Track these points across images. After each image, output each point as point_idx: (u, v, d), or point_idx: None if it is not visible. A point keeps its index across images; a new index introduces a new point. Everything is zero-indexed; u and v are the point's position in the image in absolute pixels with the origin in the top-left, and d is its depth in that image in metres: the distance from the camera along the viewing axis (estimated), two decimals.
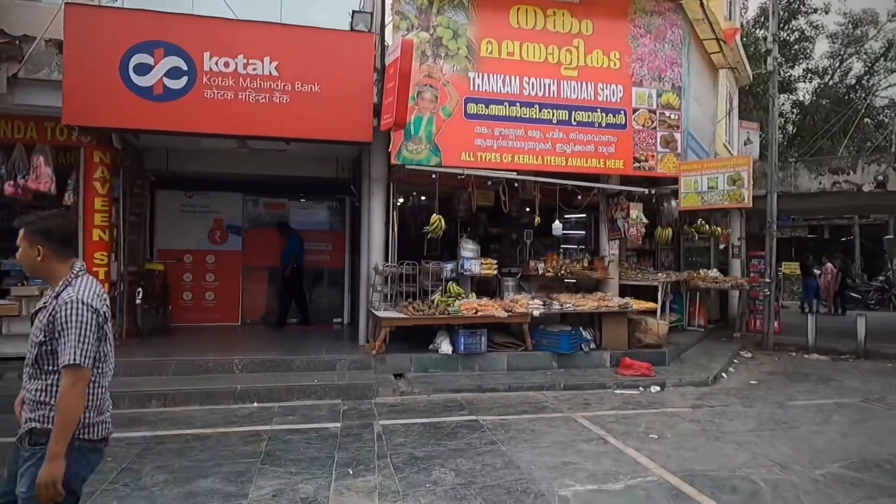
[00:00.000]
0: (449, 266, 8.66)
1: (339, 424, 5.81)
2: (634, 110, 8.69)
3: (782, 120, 25.96)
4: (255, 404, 6.39)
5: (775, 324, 11.12)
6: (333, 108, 7.19)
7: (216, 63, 6.84)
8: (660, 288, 9.25)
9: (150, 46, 6.67)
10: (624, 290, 10.37)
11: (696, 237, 11.34)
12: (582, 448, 5.21)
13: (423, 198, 12.37)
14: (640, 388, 7.56)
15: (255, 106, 6.97)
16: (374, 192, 8.36)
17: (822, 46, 26.54)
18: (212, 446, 5.06)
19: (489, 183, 8.21)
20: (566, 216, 14.19)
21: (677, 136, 8.84)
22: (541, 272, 8.87)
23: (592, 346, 8.42)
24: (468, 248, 8.53)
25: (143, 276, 8.84)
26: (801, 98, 27.85)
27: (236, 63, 6.89)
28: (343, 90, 7.22)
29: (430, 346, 8.02)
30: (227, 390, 6.52)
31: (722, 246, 14.17)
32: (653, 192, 9.01)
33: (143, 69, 6.64)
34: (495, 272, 8.56)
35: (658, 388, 7.56)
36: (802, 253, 20.10)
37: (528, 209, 9.68)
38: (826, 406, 6.90)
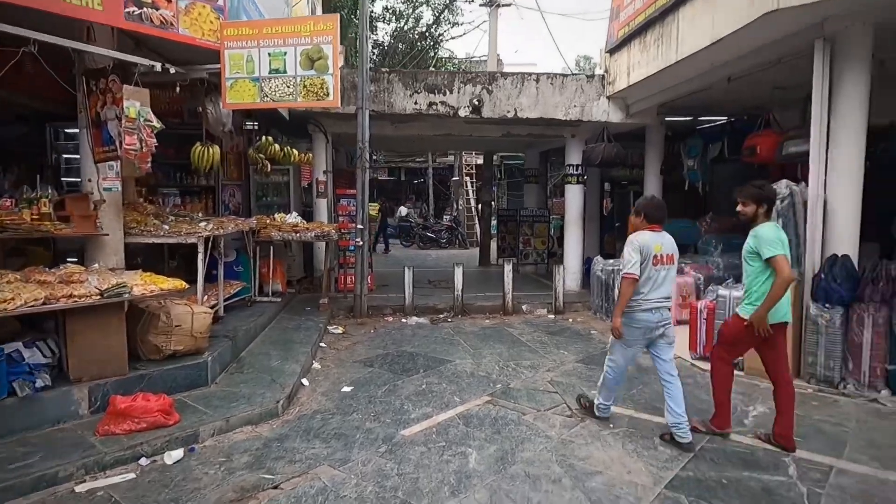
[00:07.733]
0: None
1: None
2: None
3: None
4: None
5: (368, 279, 8.79)
6: None
7: None
8: (199, 248, 5.39)
9: None
10: (157, 253, 6.34)
11: (268, 166, 7.81)
12: None
13: None
14: (144, 461, 3.70)
15: None
16: None
17: None
18: None
19: None
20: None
21: None
22: None
23: (46, 378, 4.01)
24: None
25: None
26: (381, 39, 27.58)
27: None
28: None
29: None
30: None
31: (305, 183, 11.21)
32: (172, 70, 4.88)
33: None
34: None
35: (180, 454, 3.81)
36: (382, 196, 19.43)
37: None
38: (451, 429, 4.37)
